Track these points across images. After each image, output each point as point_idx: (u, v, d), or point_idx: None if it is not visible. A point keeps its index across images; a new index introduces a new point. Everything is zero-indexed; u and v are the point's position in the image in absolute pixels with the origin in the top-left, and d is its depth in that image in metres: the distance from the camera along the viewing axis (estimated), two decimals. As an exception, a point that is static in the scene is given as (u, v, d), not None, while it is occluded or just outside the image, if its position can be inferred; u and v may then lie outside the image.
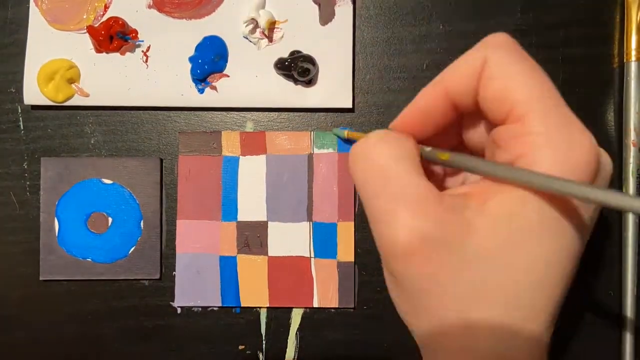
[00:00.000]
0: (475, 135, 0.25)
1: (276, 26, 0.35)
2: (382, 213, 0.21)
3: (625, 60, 0.34)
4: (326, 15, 0.34)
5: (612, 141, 0.34)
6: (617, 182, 0.34)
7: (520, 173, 0.20)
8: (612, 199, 0.18)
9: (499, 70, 0.21)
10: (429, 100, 0.23)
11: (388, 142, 0.22)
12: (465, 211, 0.20)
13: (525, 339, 0.20)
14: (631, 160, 0.33)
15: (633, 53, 0.34)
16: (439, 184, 0.27)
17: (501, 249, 0.20)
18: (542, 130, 0.20)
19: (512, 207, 0.20)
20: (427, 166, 0.25)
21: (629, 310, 0.33)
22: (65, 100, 0.34)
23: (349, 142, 0.34)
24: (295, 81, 0.34)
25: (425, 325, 0.21)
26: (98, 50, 0.34)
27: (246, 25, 0.34)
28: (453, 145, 0.26)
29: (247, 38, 0.35)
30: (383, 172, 0.21)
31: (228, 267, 0.34)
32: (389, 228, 0.20)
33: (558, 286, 0.21)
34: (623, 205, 0.17)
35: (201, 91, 0.34)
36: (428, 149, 0.24)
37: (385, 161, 0.21)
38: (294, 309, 0.34)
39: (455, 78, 0.22)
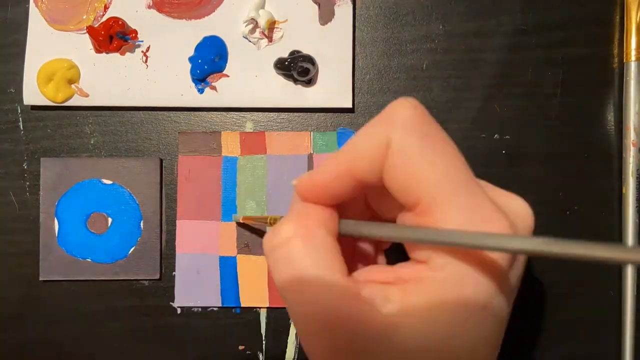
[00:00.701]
0: (385, 207, 0.23)
1: (276, 26, 0.35)
2: (297, 312, 0.20)
3: (625, 61, 0.34)
4: (326, 15, 0.34)
5: (612, 141, 0.34)
6: (617, 182, 0.34)
7: (441, 233, 0.19)
8: (528, 244, 0.17)
9: (402, 158, 0.19)
10: (334, 179, 0.21)
11: (301, 236, 0.20)
12: (386, 306, 0.19)
13: None
14: (631, 160, 0.33)
15: (633, 53, 0.34)
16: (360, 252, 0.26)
17: (428, 343, 0.19)
18: (453, 225, 0.19)
19: (434, 296, 0.19)
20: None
21: (629, 311, 0.33)
22: (65, 101, 0.34)
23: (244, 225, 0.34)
24: (295, 81, 0.34)
25: None
26: (98, 51, 0.34)
27: (246, 25, 0.34)
28: (361, 211, 0.25)
29: (246, 38, 0.34)
30: (298, 274, 0.20)
31: (228, 267, 0.34)
32: (309, 347, 0.20)
33: (492, 356, 0.20)
34: (539, 249, 0.17)
35: (201, 91, 0.34)
36: (351, 222, 0.22)
37: (300, 262, 0.20)
38: (293, 309, 0.34)
39: (359, 161, 0.21)
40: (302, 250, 0.20)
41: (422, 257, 0.20)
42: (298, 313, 0.20)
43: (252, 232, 0.34)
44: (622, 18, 0.35)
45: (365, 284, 0.20)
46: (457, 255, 0.19)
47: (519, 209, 0.21)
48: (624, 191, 0.34)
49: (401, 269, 0.21)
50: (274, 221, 0.26)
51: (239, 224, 0.34)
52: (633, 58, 0.34)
